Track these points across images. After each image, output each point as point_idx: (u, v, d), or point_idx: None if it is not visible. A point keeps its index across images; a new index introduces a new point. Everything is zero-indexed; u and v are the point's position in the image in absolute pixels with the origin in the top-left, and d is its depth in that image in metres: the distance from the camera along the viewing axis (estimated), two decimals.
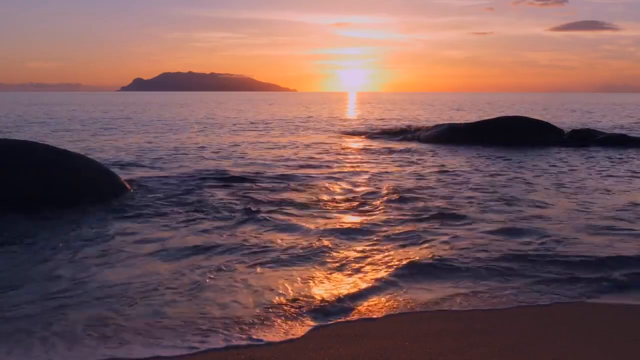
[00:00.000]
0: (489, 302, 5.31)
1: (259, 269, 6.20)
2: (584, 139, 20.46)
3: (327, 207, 9.38)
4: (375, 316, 4.98)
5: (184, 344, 4.37)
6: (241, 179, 12.32)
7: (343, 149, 19.34)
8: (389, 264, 6.37)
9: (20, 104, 70.06)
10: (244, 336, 4.50)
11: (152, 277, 5.88)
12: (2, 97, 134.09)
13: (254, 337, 4.49)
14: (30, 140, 11.57)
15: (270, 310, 5.06)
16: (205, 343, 4.38)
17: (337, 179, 12.52)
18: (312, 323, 4.81)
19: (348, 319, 4.94)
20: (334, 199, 10.16)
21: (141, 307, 5.12)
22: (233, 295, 5.42)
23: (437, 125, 23.69)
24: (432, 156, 16.92)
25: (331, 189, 11.26)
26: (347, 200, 10.06)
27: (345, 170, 14.07)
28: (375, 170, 13.94)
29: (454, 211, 9.07)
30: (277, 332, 4.58)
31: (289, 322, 4.81)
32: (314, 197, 10.22)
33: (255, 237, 7.51)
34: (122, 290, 5.50)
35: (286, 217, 8.60)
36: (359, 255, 6.73)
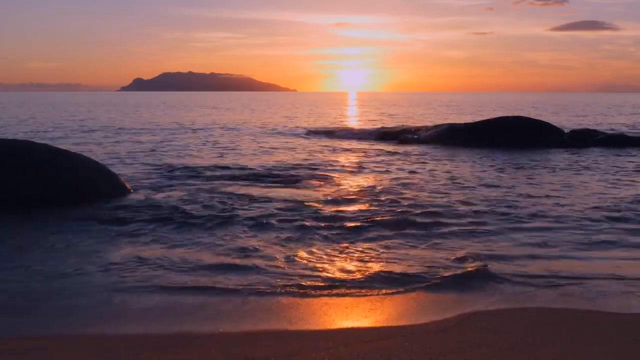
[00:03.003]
0: (488, 302, 5.30)
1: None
2: (584, 139, 20.43)
3: (323, 207, 9.34)
4: (374, 316, 4.97)
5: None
6: (240, 179, 12.32)
7: (342, 149, 19.32)
8: (382, 265, 6.35)
9: (24, 106, 70.01)
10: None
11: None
12: (2, 97, 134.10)
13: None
14: (29, 139, 11.56)
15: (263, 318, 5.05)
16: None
17: (335, 179, 12.50)
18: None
19: (346, 319, 4.93)
20: (331, 199, 10.12)
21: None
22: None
23: (437, 126, 23.65)
24: (432, 156, 16.89)
25: (328, 189, 11.22)
26: (343, 200, 10.04)
27: (343, 170, 14.05)
28: (374, 171, 13.92)
29: (449, 212, 9.04)
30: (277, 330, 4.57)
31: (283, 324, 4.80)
32: (309, 198, 10.18)
33: (251, 245, 7.48)
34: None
35: (279, 222, 8.44)
36: (348, 255, 6.72)
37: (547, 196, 10.55)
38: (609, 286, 5.75)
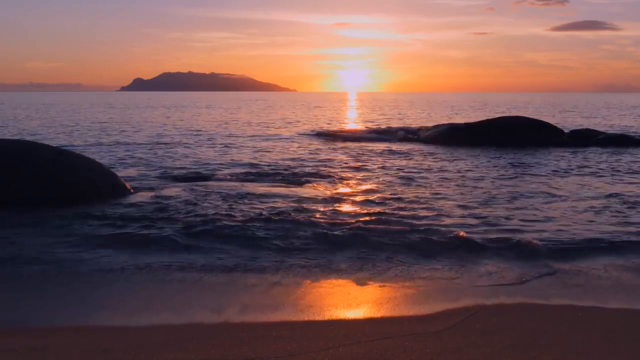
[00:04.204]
0: (487, 302, 5.30)
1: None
2: (584, 139, 20.45)
3: (325, 206, 9.34)
4: (374, 316, 4.98)
5: None
6: (240, 179, 12.33)
7: (342, 149, 19.31)
8: (384, 261, 6.36)
9: (24, 106, 69.99)
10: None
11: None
12: (2, 97, 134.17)
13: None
14: (29, 140, 11.57)
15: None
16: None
17: (337, 179, 12.49)
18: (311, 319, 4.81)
19: (347, 319, 4.94)
20: (334, 198, 10.13)
21: None
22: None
23: (437, 126, 23.67)
24: (432, 156, 16.90)
25: (330, 188, 11.23)
26: (345, 199, 10.05)
27: (345, 170, 14.04)
28: (375, 170, 13.92)
29: (450, 210, 9.05)
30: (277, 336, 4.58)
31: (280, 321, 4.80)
32: (312, 197, 10.18)
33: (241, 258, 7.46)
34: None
35: (282, 221, 8.37)
36: (350, 251, 6.73)
37: (547, 194, 10.58)
38: (610, 281, 5.76)
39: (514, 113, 43.40)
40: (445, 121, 30.48)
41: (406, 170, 13.97)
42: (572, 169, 14.19)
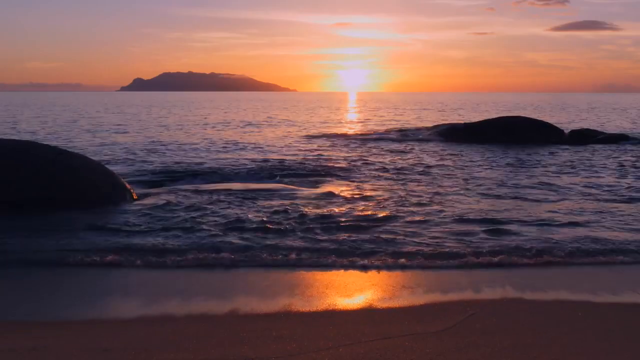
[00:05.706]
0: (487, 301, 5.30)
1: None
2: (584, 139, 20.53)
3: (321, 205, 9.36)
4: (374, 316, 4.98)
5: None
6: (238, 180, 12.34)
7: (341, 149, 19.31)
8: (385, 267, 6.36)
9: (24, 106, 69.97)
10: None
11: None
12: (2, 97, 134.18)
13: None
14: (31, 140, 11.57)
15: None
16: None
17: (336, 179, 12.51)
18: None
19: (347, 319, 4.95)
20: (331, 197, 10.14)
21: None
22: None
23: (437, 125, 23.69)
24: (431, 156, 16.90)
25: (329, 188, 11.23)
26: (344, 199, 10.05)
27: (343, 170, 14.04)
28: (374, 170, 13.92)
29: (451, 208, 9.06)
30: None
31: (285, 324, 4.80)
32: (309, 197, 10.20)
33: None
34: None
35: (276, 228, 8.34)
36: (346, 256, 6.73)
37: (547, 193, 10.61)
38: (611, 278, 5.77)
39: (514, 113, 43.39)
40: (445, 121, 30.48)
41: (407, 169, 13.97)
42: (572, 169, 14.19)
